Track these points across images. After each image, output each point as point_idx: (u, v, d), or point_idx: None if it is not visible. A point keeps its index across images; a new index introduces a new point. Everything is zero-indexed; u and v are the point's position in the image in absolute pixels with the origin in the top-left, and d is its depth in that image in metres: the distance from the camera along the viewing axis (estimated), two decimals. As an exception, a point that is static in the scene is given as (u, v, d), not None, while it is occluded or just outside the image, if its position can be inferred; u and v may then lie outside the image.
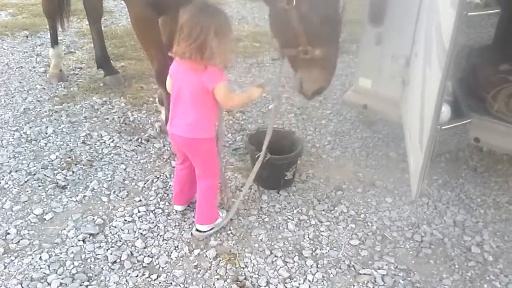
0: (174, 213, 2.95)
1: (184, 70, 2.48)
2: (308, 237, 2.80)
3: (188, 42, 2.37)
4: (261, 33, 5.95)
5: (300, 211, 3.01)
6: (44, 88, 4.48)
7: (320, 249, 2.72)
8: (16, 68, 4.87)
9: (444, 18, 2.25)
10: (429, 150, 2.35)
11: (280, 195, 3.16)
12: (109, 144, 3.65)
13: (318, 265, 2.61)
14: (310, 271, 2.57)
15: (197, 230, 2.77)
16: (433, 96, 2.28)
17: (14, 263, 2.55)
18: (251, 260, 2.62)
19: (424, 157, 2.38)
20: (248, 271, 2.55)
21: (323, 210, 3.03)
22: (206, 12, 2.40)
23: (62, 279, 2.46)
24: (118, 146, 3.63)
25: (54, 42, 4.62)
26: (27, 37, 5.66)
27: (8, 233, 2.74)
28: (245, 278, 2.51)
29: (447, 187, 3.30)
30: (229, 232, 2.81)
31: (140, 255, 2.63)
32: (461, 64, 3.34)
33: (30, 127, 3.82)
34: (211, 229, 2.76)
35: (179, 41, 2.42)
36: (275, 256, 2.66)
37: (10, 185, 3.16)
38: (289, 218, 2.94)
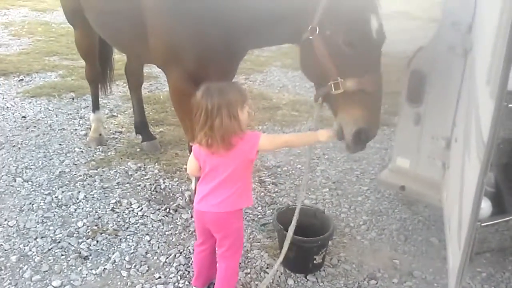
0: (193, 294, 2.81)
1: (212, 153, 2.41)
2: (334, 334, 2.57)
3: (199, 127, 2.34)
4: (301, 102, 5.92)
5: (327, 301, 2.80)
6: (82, 151, 4.55)
7: None
8: (58, 129, 4.99)
9: (483, 109, 2.09)
10: (467, 248, 2.13)
11: (308, 280, 2.96)
12: (137, 213, 3.60)
13: None
14: None
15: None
16: (471, 189, 2.09)
17: None
18: None
19: (462, 256, 2.15)
20: None
21: (353, 301, 2.80)
22: (207, 94, 2.33)
23: None
24: (145, 215, 3.57)
25: (95, 107, 4.75)
26: (73, 99, 5.85)
27: (22, 307, 2.67)
28: None
29: (491, 281, 3.01)
30: (249, 320, 2.63)
31: None
32: (503, 156, 3.11)
33: (63, 192, 3.84)
34: None
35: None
36: None
37: (33, 252, 3.13)
38: (314, 309, 2.73)
